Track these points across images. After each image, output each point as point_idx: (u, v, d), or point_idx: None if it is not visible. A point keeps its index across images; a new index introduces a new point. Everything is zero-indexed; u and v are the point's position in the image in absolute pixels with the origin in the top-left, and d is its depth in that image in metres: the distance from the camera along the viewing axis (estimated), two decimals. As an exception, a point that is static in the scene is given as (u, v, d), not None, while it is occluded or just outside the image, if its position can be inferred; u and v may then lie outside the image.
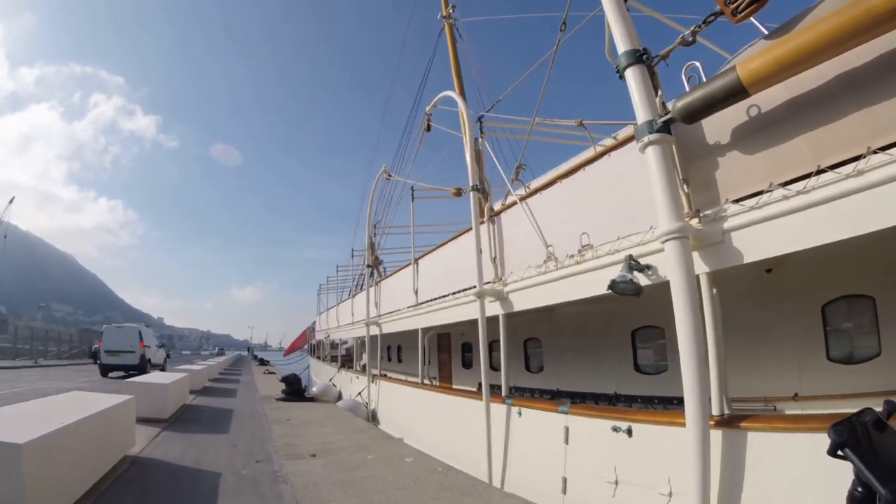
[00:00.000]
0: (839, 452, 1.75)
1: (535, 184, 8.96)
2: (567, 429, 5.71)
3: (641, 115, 4.39)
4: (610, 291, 4.66)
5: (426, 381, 11.76)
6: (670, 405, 7.14)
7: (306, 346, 47.80)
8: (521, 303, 7.23)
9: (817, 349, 6.50)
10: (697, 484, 3.78)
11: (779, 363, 6.76)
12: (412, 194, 12.37)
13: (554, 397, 10.25)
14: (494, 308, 7.76)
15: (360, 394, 14.75)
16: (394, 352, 22.01)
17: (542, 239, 6.74)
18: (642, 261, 4.76)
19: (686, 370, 3.93)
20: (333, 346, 30.89)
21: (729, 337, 4.46)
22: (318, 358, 33.58)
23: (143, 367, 19.74)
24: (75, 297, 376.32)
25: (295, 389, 13.30)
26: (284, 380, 13.34)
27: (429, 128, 11.55)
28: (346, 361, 25.93)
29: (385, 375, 14.76)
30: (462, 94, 20.49)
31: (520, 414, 6.83)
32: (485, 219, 8.33)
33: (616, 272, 4.69)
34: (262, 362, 44.64)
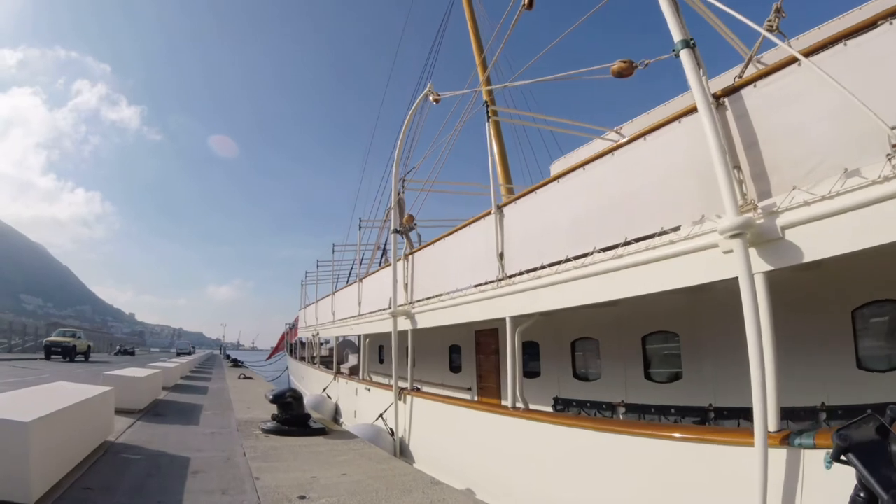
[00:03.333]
0: (842, 457, 1.71)
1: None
2: None
3: None
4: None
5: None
6: None
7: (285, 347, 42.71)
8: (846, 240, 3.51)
9: None
10: None
11: None
12: (486, 112, 8.00)
13: (704, 419, 6.58)
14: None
15: (381, 416, 10.22)
16: (386, 352, 17.69)
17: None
18: None
19: None
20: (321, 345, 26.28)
21: None
22: (303, 360, 28.55)
23: (189, 353, 65.04)
24: (46, 289, 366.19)
25: (295, 416, 8.00)
26: (277, 399, 8.03)
27: (531, 4, 7.12)
28: (329, 364, 21.72)
29: (418, 390, 10.27)
30: (483, 65, 16.47)
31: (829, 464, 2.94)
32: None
33: None
34: (236, 363, 39.34)
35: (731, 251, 4.00)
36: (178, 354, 53.59)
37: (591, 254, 5.67)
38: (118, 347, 55.51)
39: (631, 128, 11.16)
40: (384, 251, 17.31)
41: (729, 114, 4.38)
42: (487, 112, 7.96)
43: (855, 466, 1.69)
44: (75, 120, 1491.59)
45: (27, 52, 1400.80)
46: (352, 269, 20.23)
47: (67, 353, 29.65)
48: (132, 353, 51.35)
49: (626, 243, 5.22)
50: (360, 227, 16.57)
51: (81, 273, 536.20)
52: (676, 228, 4.73)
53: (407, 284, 10.45)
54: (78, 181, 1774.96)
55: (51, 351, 29.53)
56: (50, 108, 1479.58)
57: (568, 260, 5.95)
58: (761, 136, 4.15)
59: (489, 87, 8.69)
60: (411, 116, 10.18)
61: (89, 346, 34.25)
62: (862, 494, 1.69)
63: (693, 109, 4.65)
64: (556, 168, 13.13)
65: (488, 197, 7.61)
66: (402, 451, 9.42)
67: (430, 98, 9.48)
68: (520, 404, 6.85)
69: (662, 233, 4.87)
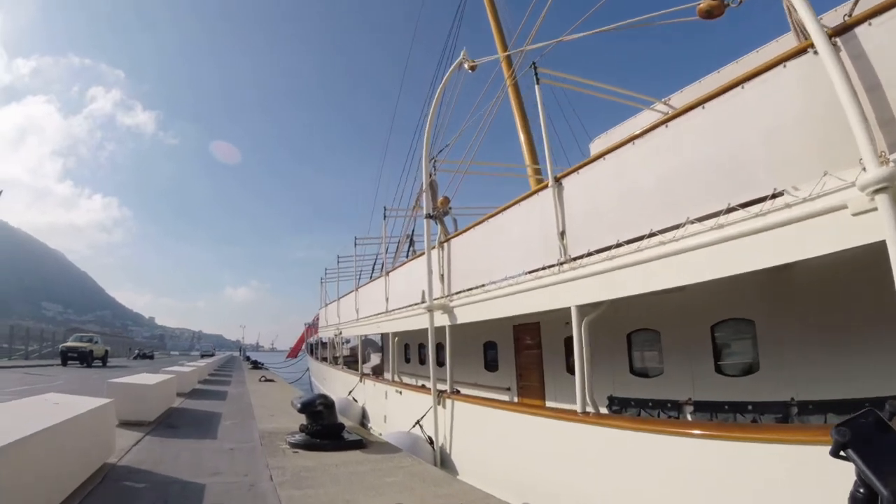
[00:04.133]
0: (841, 453, 1.69)
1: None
2: None
3: None
4: None
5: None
6: None
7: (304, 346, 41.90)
8: None
9: None
10: None
11: None
12: (535, 74, 6.97)
13: (786, 415, 5.50)
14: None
15: (418, 423, 9.24)
16: (413, 351, 16.84)
17: None
18: None
19: None
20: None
21: None
22: (325, 360, 27.62)
23: (212, 354, 60.62)
24: (66, 295, 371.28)
25: (327, 426, 7.00)
26: (306, 408, 7.06)
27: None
28: (350, 364, 21.24)
29: (458, 392, 9.26)
30: (503, 43, 15.43)
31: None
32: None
33: None
34: (256, 365, 38.42)
35: (871, 210, 3.27)
36: (202, 356, 53.76)
37: (683, 225, 4.66)
38: (136, 352, 55.08)
39: (681, 97, 10.13)
40: (412, 241, 16.26)
41: (843, 55, 3.74)
42: (536, 74, 6.93)
43: (854, 462, 1.63)
44: (91, 126, 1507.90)
45: (40, 60, 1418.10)
46: (375, 262, 19.23)
47: (84, 359, 29.24)
48: (151, 357, 50.83)
49: (729, 210, 4.25)
50: (384, 217, 15.40)
51: (100, 278, 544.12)
52: (781, 193, 3.94)
53: (443, 275, 9.45)
54: (95, 187, 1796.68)
55: (67, 357, 29.11)
56: (65, 115, 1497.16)
57: (652, 234, 4.93)
58: (884, 79, 3.52)
59: (536, 46, 7.64)
60: (444, 87, 9.16)
61: (107, 351, 33.82)
62: (861, 490, 1.63)
63: (796, 53, 3.96)
64: (595, 146, 12.08)
65: (522, 180, 6.59)
66: (443, 462, 8.46)
67: (466, 66, 8.45)
68: (590, 408, 5.82)
69: (774, 195, 3.97)
